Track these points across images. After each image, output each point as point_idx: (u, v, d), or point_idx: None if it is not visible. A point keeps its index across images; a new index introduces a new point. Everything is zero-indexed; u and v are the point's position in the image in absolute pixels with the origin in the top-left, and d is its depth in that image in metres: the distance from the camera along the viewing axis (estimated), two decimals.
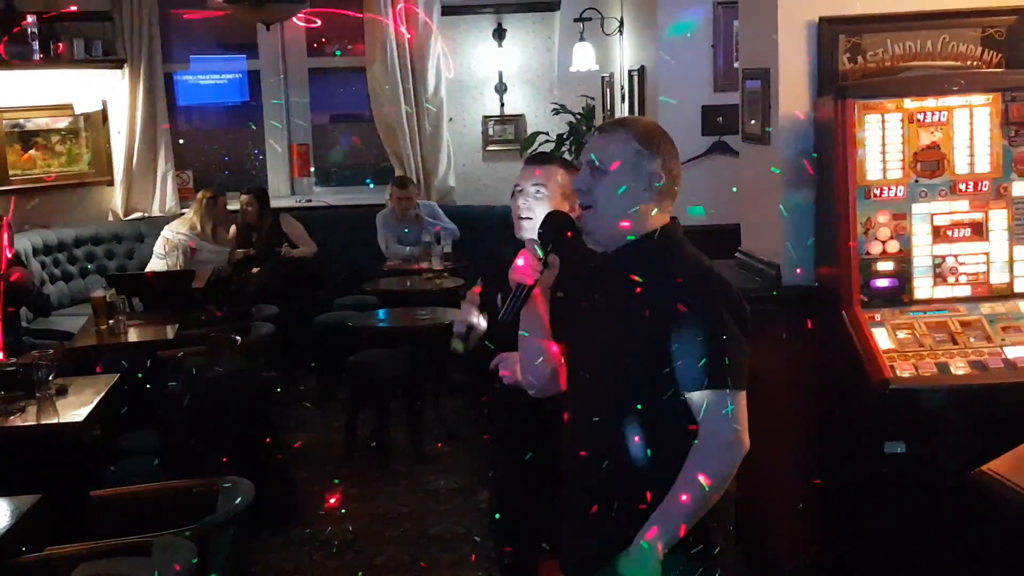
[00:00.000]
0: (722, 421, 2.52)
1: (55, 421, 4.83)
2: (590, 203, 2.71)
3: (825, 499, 4.23)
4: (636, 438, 2.59)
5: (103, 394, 5.11)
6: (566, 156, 8.50)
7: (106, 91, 9.59)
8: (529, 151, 9.61)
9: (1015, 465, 3.02)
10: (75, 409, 4.92)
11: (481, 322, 3.52)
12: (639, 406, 2.58)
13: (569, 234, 2.77)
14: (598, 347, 2.69)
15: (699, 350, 2.51)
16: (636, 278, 2.61)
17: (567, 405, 2.82)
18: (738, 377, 2.55)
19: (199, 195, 9.06)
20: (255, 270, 8.80)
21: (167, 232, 8.89)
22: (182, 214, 9.35)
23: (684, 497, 2.50)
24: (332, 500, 6.06)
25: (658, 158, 2.68)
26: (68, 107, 9.43)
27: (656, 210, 2.70)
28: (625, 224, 2.68)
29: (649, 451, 2.58)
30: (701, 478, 2.49)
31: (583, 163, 2.76)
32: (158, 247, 8.91)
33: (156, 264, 8.86)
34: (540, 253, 2.74)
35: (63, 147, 9.52)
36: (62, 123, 9.50)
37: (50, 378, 5.03)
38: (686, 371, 2.53)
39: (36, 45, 8.92)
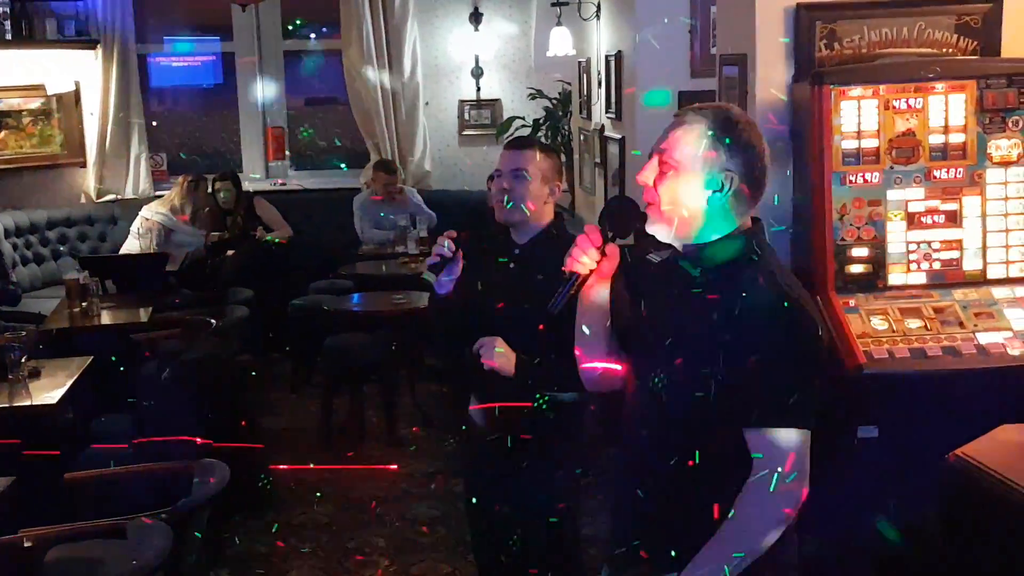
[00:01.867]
0: (779, 463, 2.29)
1: (28, 403, 4.81)
2: (654, 199, 2.43)
3: None
4: (693, 468, 2.36)
5: (76, 377, 5.09)
6: (543, 140, 8.50)
7: (79, 72, 9.53)
8: (505, 136, 9.63)
9: (989, 449, 3.05)
10: (48, 391, 4.91)
11: (455, 255, 3.43)
12: (700, 433, 2.38)
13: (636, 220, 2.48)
14: (660, 358, 2.44)
15: (767, 384, 2.30)
16: (700, 292, 2.39)
17: (625, 416, 2.61)
18: (805, 417, 2.35)
19: (181, 178, 9.03)
20: (229, 253, 8.77)
21: (146, 212, 8.85)
22: (157, 196, 9.30)
23: (730, 540, 2.31)
24: (307, 484, 6.06)
25: (738, 153, 2.40)
26: (40, 88, 9.35)
27: (735, 212, 2.43)
28: (694, 226, 2.42)
29: (704, 483, 2.38)
30: (750, 522, 2.31)
31: (652, 151, 2.47)
32: (135, 226, 8.86)
33: (131, 244, 8.82)
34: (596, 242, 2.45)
35: (35, 128, 9.45)
36: (34, 104, 9.43)
37: (23, 360, 5.00)
38: (751, 404, 2.32)
39: (8, 25, 8.84)
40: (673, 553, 2.40)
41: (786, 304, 2.33)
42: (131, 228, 8.91)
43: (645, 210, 2.47)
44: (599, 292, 2.57)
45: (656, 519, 2.49)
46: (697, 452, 2.36)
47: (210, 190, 9.09)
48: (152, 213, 8.81)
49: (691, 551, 2.36)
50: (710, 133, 2.40)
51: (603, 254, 2.47)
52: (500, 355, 3.39)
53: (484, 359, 3.39)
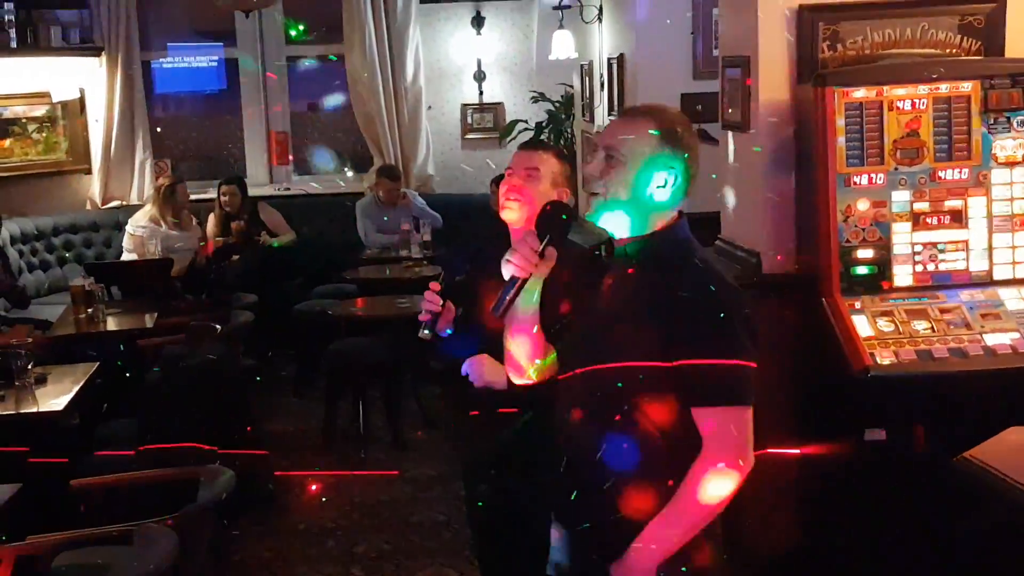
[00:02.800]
0: (725, 439, 2.44)
1: (34, 410, 4.81)
2: (599, 191, 2.58)
3: (804, 487, 4.24)
4: (626, 446, 2.49)
5: (82, 383, 5.09)
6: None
7: (83, 79, 9.54)
8: (508, 139, 9.63)
9: (997, 452, 3.03)
10: (54, 398, 4.91)
11: (447, 307, 3.48)
12: (637, 413, 2.49)
13: (565, 219, 2.60)
14: (595, 348, 2.57)
15: (704, 365, 2.42)
16: (637, 277, 2.54)
17: (558, 406, 2.71)
18: (746, 393, 2.47)
19: (155, 184, 9.00)
20: (234, 258, 8.77)
21: (131, 227, 8.80)
22: (141, 205, 9.24)
23: (679, 514, 2.45)
24: (312, 488, 6.06)
25: (678, 152, 2.55)
26: (45, 95, 9.38)
27: (668, 206, 2.58)
28: (633, 218, 2.57)
29: (642, 459, 2.49)
30: (698, 496, 2.43)
31: (599, 148, 2.62)
32: (126, 243, 8.84)
33: (127, 259, 8.81)
34: (538, 245, 2.56)
35: (40, 135, 9.47)
36: (39, 111, 9.46)
37: (29, 367, 5.01)
38: (690, 385, 2.44)
39: (13, 33, 8.86)
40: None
41: (715, 288, 2.48)
42: (123, 244, 8.89)
43: (589, 200, 2.61)
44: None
45: (593, 502, 2.59)
46: (630, 433, 2.50)
47: (211, 194, 9.07)
48: (135, 228, 8.77)
49: (636, 530, 2.49)
50: (656, 133, 2.55)
51: (541, 257, 2.56)
52: (489, 372, 3.41)
53: (474, 380, 3.43)
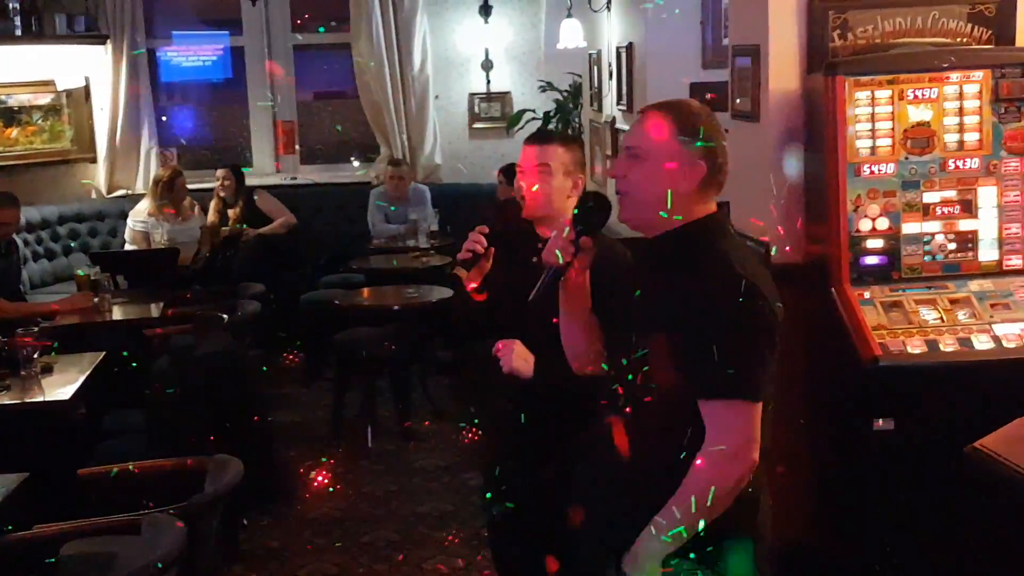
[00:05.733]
0: (728, 432, 2.43)
1: (41, 399, 4.81)
2: (626, 189, 2.60)
3: (813, 477, 4.23)
4: (655, 439, 2.51)
5: (88, 372, 5.09)
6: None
7: (89, 67, 9.52)
8: (515, 128, 9.61)
9: (1008, 441, 3.03)
10: (61, 387, 4.91)
11: (487, 251, 3.43)
12: (659, 406, 2.50)
13: (601, 210, 2.65)
14: (629, 340, 2.59)
15: (713, 357, 2.40)
16: (661, 272, 2.54)
17: (600, 396, 2.72)
18: (751, 388, 2.46)
19: (153, 178, 8.98)
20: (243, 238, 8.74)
21: (130, 221, 8.80)
22: (142, 195, 9.21)
23: (682, 505, 2.44)
24: (319, 478, 6.06)
25: (699, 144, 2.55)
26: (50, 83, 9.36)
27: (698, 199, 2.58)
28: (662, 213, 2.56)
29: (664, 453, 2.50)
30: (700, 487, 2.43)
31: (621, 147, 2.67)
32: (127, 235, 8.84)
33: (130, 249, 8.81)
34: (572, 234, 2.61)
35: (45, 124, 9.46)
36: (44, 100, 9.44)
37: (35, 356, 5.00)
38: (699, 377, 2.44)
39: (18, 21, 8.82)
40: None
41: (738, 283, 2.45)
42: (125, 237, 8.89)
43: (618, 200, 2.63)
44: (581, 283, 2.73)
45: (621, 492, 2.59)
46: (660, 425, 2.50)
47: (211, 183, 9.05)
48: (134, 222, 8.75)
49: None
50: (675, 126, 2.56)
51: (577, 247, 2.61)
52: (518, 358, 3.38)
53: (503, 364, 3.38)
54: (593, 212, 2.64)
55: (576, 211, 2.67)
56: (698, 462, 2.44)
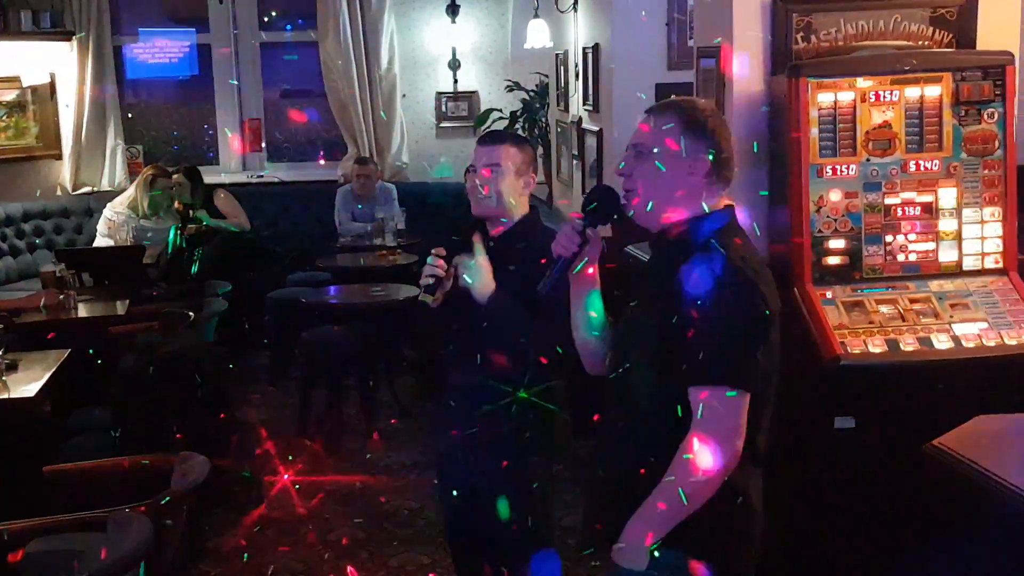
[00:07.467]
0: (713, 420, 2.46)
1: (5, 396, 4.78)
2: (631, 187, 2.65)
3: (774, 474, 4.26)
4: (653, 431, 2.57)
5: (54, 370, 5.06)
6: (519, 133, 8.52)
7: (54, 64, 9.47)
8: (483, 128, 9.62)
9: (966, 439, 3.07)
10: (25, 385, 4.87)
11: (448, 272, 3.47)
12: (660, 397, 2.56)
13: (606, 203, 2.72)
14: (637, 333, 2.65)
15: (703, 344, 2.45)
16: (664, 268, 2.59)
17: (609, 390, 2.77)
18: (738, 377, 2.48)
19: (142, 172, 8.93)
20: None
21: (108, 212, 8.76)
22: (112, 192, 9.17)
23: (666, 493, 2.47)
24: (286, 476, 6.06)
25: (704, 141, 2.60)
26: (15, 80, 9.31)
27: (704, 195, 2.63)
28: (668, 210, 2.63)
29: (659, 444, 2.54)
30: (683, 475, 2.46)
31: (628, 146, 2.70)
32: (101, 226, 8.80)
33: (100, 244, 8.76)
34: (580, 226, 2.69)
35: (10, 120, 9.40)
36: (9, 96, 9.38)
37: None
38: (689, 363, 2.47)
39: None
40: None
41: (736, 275, 2.50)
42: (98, 227, 8.84)
43: (624, 197, 2.68)
44: (590, 274, 2.78)
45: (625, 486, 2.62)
46: (660, 417, 2.55)
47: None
48: (114, 212, 8.72)
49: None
50: (680, 123, 2.61)
51: (585, 239, 2.68)
52: (475, 271, 3.38)
53: (461, 277, 3.40)
54: (600, 203, 2.71)
55: (585, 203, 2.73)
56: (683, 449, 2.47)
